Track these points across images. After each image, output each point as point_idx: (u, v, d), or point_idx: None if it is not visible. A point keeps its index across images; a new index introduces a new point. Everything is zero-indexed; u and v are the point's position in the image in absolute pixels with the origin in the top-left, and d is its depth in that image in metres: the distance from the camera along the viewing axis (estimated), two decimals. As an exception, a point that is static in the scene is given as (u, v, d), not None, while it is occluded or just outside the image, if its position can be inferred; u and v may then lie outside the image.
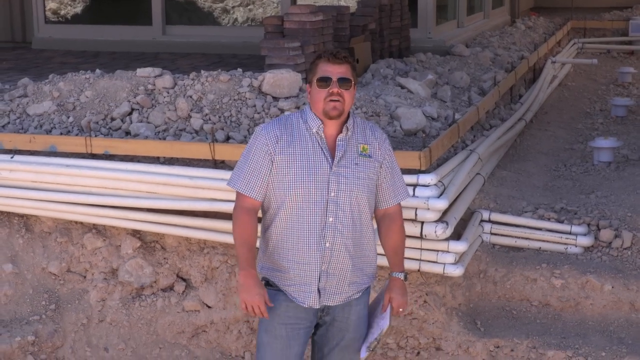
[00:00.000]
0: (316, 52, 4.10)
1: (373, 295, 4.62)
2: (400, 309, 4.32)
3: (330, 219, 4.11)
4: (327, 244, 4.13)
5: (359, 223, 4.19)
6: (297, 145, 4.10)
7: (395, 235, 4.37)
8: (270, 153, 4.10)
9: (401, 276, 4.36)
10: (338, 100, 4.07)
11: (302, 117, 4.18)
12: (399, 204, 4.38)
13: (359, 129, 4.22)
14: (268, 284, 4.27)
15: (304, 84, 7.02)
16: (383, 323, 4.30)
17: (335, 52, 4.13)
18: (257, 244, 4.28)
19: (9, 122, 6.91)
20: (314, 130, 4.12)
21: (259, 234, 4.29)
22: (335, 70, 4.07)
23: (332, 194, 4.10)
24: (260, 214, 4.29)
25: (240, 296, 4.12)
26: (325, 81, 4.07)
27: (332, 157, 4.12)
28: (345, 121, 4.17)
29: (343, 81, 4.08)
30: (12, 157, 6.56)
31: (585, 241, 6.38)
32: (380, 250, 4.45)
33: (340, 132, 4.15)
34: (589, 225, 6.51)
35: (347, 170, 4.12)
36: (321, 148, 4.11)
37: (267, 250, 4.25)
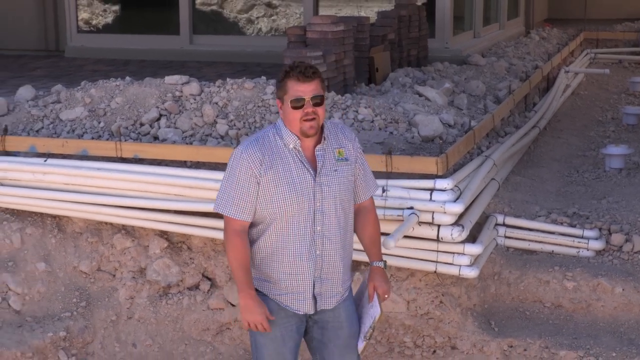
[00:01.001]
0: (286, 69, 4.11)
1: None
2: (386, 295, 4.31)
3: (319, 228, 4.12)
4: (318, 252, 4.15)
5: (344, 225, 4.21)
6: (280, 164, 4.06)
7: (371, 226, 4.37)
8: (256, 175, 4.05)
9: (381, 264, 4.35)
10: (314, 119, 4.03)
11: (277, 133, 4.12)
12: (372, 197, 4.40)
13: (331, 133, 4.19)
14: (257, 290, 4.23)
15: (325, 92, 7.16)
16: (374, 311, 4.30)
17: (304, 70, 4.02)
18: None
19: (42, 127, 7.03)
20: (291, 147, 4.08)
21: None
22: (307, 89, 4.01)
23: (318, 204, 4.10)
24: None
25: (243, 316, 4.12)
26: (299, 101, 4.01)
27: (313, 169, 4.10)
28: (321, 131, 4.14)
29: (316, 99, 4.03)
30: (45, 161, 6.68)
31: (597, 245, 6.43)
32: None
33: (318, 142, 4.12)
34: (600, 229, 6.55)
35: (328, 179, 4.11)
36: (302, 162, 4.08)
37: (254, 263, 4.23)
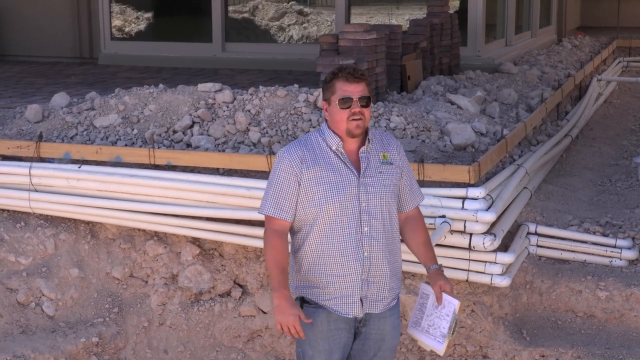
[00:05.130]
0: (334, 71, 4.18)
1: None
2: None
3: (366, 229, 4.12)
4: (366, 253, 4.13)
5: (390, 229, 4.21)
6: (322, 163, 4.10)
7: (422, 232, 4.39)
8: (297, 174, 4.09)
9: (438, 267, 4.36)
10: (360, 119, 4.08)
11: (320, 135, 4.17)
12: (418, 206, 4.42)
13: (376, 138, 4.23)
14: (304, 301, 4.24)
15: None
16: (450, 305, 4.28)
17: (353, 71, 4.11)
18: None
19: (77, 134, 7.09)
20: (334, 148, 4.12)
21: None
22: (355, 90, 4.07)
23: (364, 205, 4.11)
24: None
25: (276, 318, 4.07)
26: (347, 102, 4.07)
27: (357, 170, 4.13)
28: (365, 134, 4.19)
29: (363, 100, 4.09)
30: (79, 167, 6.74)
31: (630, 254, 6.41)
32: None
33: (362, 144, 4.16)
34: (633, 239, 6.53)
35: (373, 180, 4.14)
36: (344, 163, 4.12)
37: (302, 270, 4.21)
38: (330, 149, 4.14)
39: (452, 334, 4.32)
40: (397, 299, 4.37)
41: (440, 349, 4.34)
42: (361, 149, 4.17)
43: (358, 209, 4.12)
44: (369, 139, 4.18)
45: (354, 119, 4.08)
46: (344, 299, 4.18)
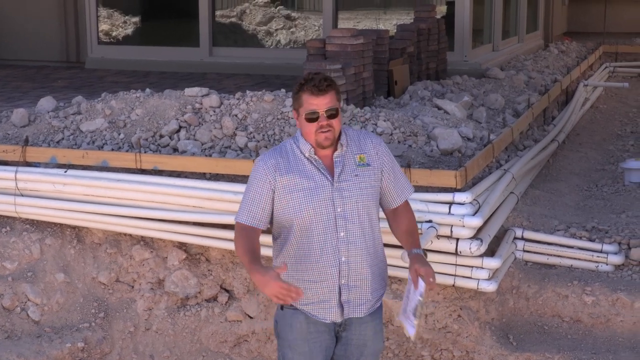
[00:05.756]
0: (301, 82, 3.97)
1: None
2: (430, 279, 4.11)
3: (342, 234, 4.12)
4: (344, 258, 4.13)
5: (369, 231, 4.19)
6: (296, 170, 4.11)
7: (407, 219, 4.34)
8: (270, 182, 4.10)
9: (420, 252, 4.24)
10: (329, 130, 4.07)
11: (295, 142, 4.18)
12: (407, 200, 4.37)
13: (353, 140, 4.21)
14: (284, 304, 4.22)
15: (344, 104, 7.19)
16: (420, 287, 4.16)
17: (318, 83, 4.06)
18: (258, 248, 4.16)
19: (63, 138, 7.07)
20: (307, 154, 4.12)
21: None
22: (321, 103, 4.05)
23: (339, 209, 4.11)
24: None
25: (265, 292, 3.98)
26: (313, 115, 4.06)
27: (331, 175, 4.12)
28: (338, 139, 4.17)
29: (330, 111, 4.07)
30: (65, 172, 6.72)
31: (616, 259, 6.41)
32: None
33: (336, 149, 4.15)
34: (619, 244, 6.54)
35: (348, 184, 4.13)
36: (318, 169, 4.12)
37: (281, 274, 4.22)
38: (304, 155, 4.15)
39: (418, 317, 4.21)
40: (381, 301, 4.36)
41: (411, 333, 4.26)
42: (335, 153, 4.16)
43: (333, 214, 4.12)
44: (341, 144, 4.16)
45: (322, 132, 4.08)
46: (322, 304, 4.19)
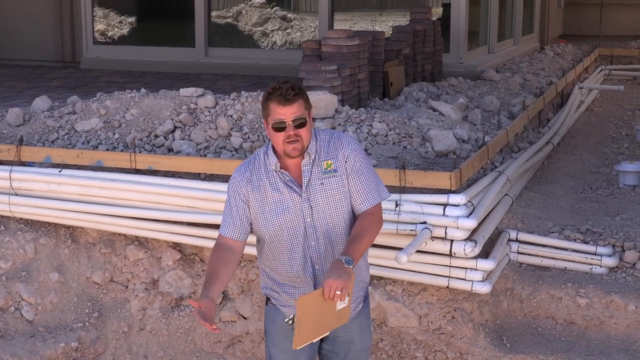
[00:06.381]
0: (269, 90, 4.03)
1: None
2: (330, 288, 3.83)
3: (313, 243, 4.12)
4: (317, 266, 4.13)
5: (341, 237, 4.15)
6: (267, 182, 4.11)
7: (360, 224, 4.11)
8: (244, 194, 4.12)
9: (344, 258, 3.92)
10: (296, 140, 4.02)
11: (266, 153, 4.16)
12: (379, 204, 4.20)
13: (323, 145, 4.15)
14: (269, 300, 4.31)
15: (340, 106, 7.18)
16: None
17: (285, 92, 3.99)
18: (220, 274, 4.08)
19: (57, 138, 7.07)
20: (273, 168, 4.11)
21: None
22: (288, 112, 3.99)
23: (309, 220, 4.10)
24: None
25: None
26: (280, 124, 4.00)
27: (299, 185, 4.10)
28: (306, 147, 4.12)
29: (297, 121, 4.01)
30: (60, 171, 6.72)
31: (610, 262, 6.42)
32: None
33: (303, 158, 4.11)
34: (613, 246, 6.55)
35: (315, 194, 4.10)
36: (285, 182, 4.10)
37: (263, 275, 4.31)
38: (272, 168, 4.14)
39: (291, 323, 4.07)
40: (364, 304, 4.35)
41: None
42: (302, 162, 4.12)
43: (303, 225, 4.12)
44: (308, 153, 4.10)
45: (289, 142, 4.03)
46: None
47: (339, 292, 3.85)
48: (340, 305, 3.94)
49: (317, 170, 4.12)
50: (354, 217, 4.19)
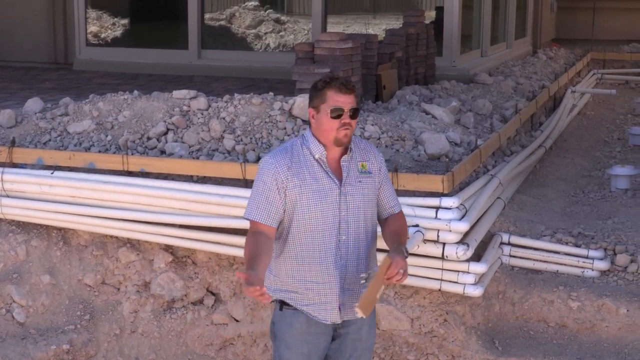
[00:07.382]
0: (326, 79, 4.18)
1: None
2: (398, 270, 4.01)
3: (344, 237, 4.18)
4: (342, 261, 4.19)
5: (370, 237, 4.27)
6: (306, 172, 4.16)
7: (399, 222, 4.35)
8: (283, 181, 4.13)
9: (403, 247, 4.18)
10: (349, 129, 4.14)
11: (303, 143, 4.22)
12: (401, 211, 4.42)
13: (358, 147, 4.29)
14: (284, 304, 4.27)
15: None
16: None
17: (345, 82, 4.16)
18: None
19: (50, 140, 7.05)
20: (317, 156, 4.17)
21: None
22: (346, 101, 4.12)
23: (343, 213, 4.17)
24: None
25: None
26: (339, 111, 4.11)
27: (338, 178, 4.18)
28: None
29: (354, 111, 4.15)
30: (52, 173, 6.70)
31: (602, 265, 6.44)
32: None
33: (343, 153, 4.21)
34: (605, 250, 6.57)
35: (353, 189, 4.19)
36: (326, 172, 4.17)
37: (281, 275, 4.25)
38: (314, 157, 4.19)
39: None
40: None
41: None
42: (343, 157, 4.21)
43: (338, 217, 4.18)
44: (350, 148, 4.23)
45: (343, 129, 4.13)
46: (323, 306, 4.22)
47: (401, 271, 4.02)
48: (380, 292, 4.08)
49: (353, 168, 4.23)
50: (375, 224, 4.34)
